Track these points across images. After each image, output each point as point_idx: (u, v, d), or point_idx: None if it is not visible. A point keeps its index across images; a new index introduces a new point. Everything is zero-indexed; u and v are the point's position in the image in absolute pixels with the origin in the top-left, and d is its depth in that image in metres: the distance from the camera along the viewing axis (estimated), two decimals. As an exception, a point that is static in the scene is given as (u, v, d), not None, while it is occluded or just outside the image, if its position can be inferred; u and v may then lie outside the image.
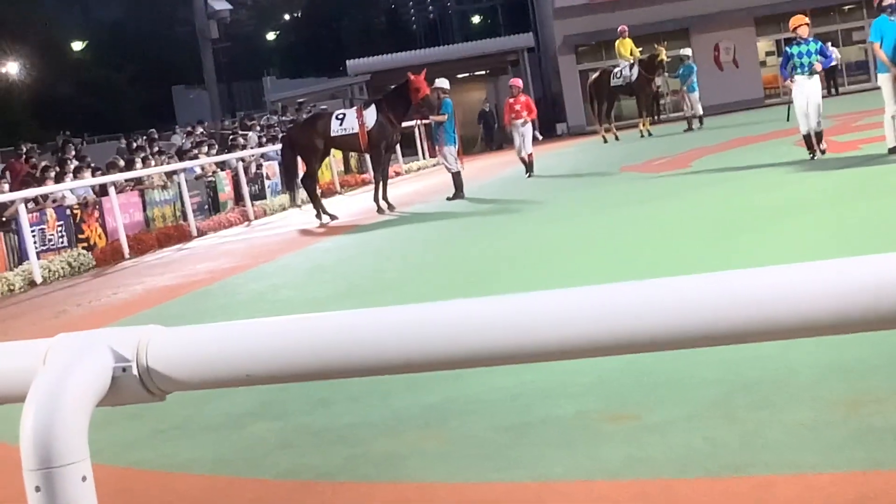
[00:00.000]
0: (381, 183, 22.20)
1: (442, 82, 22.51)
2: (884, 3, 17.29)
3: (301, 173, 23.25)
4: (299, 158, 23.21)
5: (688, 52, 36.45)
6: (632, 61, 35.28)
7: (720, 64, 49.44)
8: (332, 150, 24.95)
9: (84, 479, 1.82)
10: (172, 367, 1.87)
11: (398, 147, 29.14)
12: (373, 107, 22.20)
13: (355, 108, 22.96)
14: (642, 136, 34.60)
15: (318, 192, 23.13)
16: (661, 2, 47.94)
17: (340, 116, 22.45)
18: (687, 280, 1.69)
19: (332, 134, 22.28)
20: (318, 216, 22.32)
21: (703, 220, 13.43)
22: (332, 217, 22.40)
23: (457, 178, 22.38)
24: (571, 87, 49.68)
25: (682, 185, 18.11)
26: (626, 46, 35.66)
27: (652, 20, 47.74)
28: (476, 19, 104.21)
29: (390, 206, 21.95)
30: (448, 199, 21.88)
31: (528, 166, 25.99)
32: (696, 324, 1.66)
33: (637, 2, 48.07)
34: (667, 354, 6.18)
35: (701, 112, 35.61)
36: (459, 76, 50.83)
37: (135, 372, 1.87)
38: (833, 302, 1.60)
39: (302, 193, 23.91)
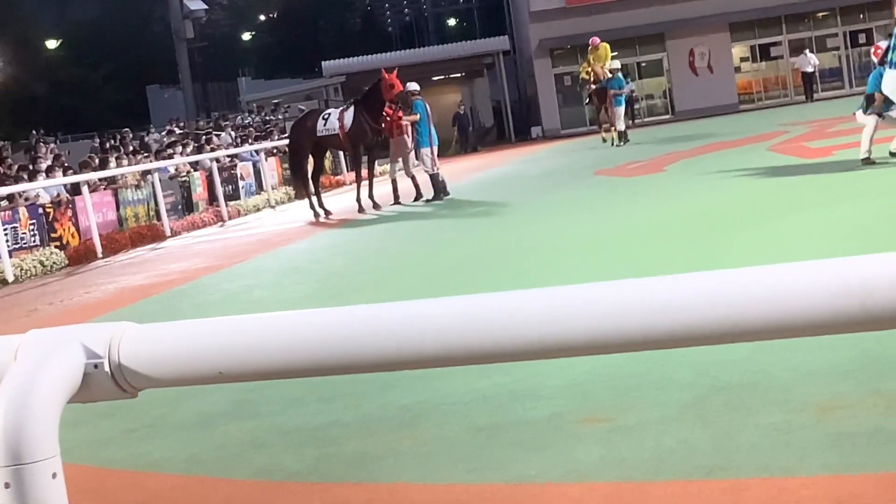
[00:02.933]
0: (361, 182, 22.30)
1: (412, 85, 22.56)
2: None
3: (309, 169, 23.61)
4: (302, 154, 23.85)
5: (616, 65, 34.21)
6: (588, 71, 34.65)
7: (695, 69, 49.61)
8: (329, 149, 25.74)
9: (54, 475, 1.80)
10: (145, 364, 1.86)
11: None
12: (351, 108, 22.45)
13: (340, 108, 23.21)
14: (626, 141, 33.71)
15: (311, 188, 23.38)
16: (637, 6, 48.04)
17: (326, 116, 22.99)
18: (659, 280, 1.69)
19: (318, 133, 22.86)
20: (312, 209, 22.94)
21: (676, 223, 13.45)
22: (328, 213, 22.70)
23: (434, 179, 22.32)
24: (547, 91, 49.77)
25: (655, 188, 18.16)
26: (597, 56, 34.43)
27: (627, 25, 47.87)
28: (452, 22, 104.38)
29: (376, 205, 22.05)
30: (427, 200, 21.87)
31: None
32: (668, 324, 1.66)
33: (613, 6, 48.18)
34: (639, 357, 6.21)
35: (622, 128, 33.57)
36: (435, 78, 50.86)
37: (107, 368, 1.85)
38: (806, 303, 1.60)
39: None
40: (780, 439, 5.14)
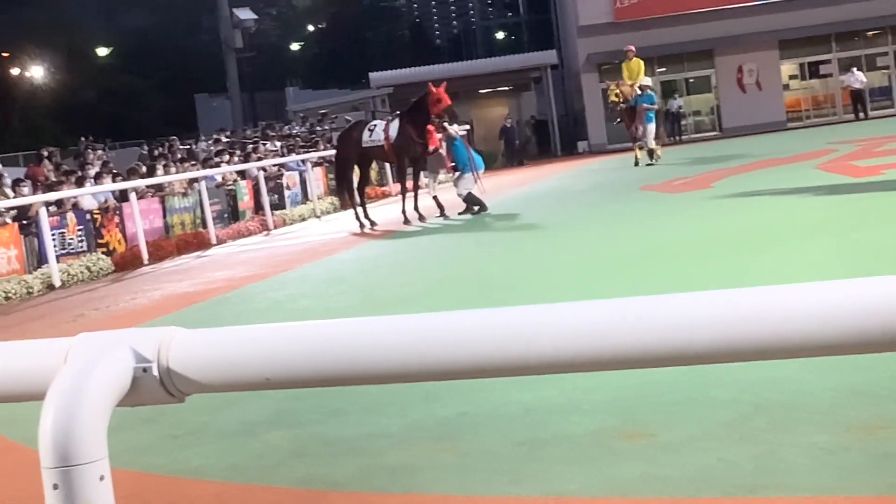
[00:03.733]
0: (406, 194, 22.35)
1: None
2: None
3: (355, 179, 23.84)
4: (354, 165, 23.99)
5: (647, 81, 32.84)
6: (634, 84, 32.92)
7: (743, 86, 49.40)
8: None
9: (102, 478, 1.82)
10: (193, 369, 1.87)
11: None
12: (397, 120, 22.49)
13: (387, 119, 23.28)
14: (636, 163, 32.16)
15: (357, 199, 23.46)
16: (686, 22, 47.90)
17: (372, 127, 23.07)
18: (703, 296, 1.69)
19: (363, 144, 22.94)
20: (357, 219, 22.99)
21: (722, 239, 13.39)
22: (373, 224, 22.74)
23: (470, 196, 22.11)
24: (594, 105, 49.64)
25: (701, 204, 18.08)
26: (630, 69, 33.24)
27: (676, 40, 47.75)
28: (500, 35, 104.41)
29: (421, 217, 22.01)
30: (470, 213, 21.79)
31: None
32: (710, 339, 1.66)
33: (661, 21, 48.05)
34: (681, 374, 6.19)
35: (652, 146, 32.14)
36: (482, 91, 50.88)
37: (155, 373, 1.87)
38: (848, 321, 1.60)
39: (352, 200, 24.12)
40: (822, 459, 5.12)
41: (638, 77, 32.61)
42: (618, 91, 32.36)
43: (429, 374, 1.81)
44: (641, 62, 33.51)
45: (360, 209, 23.07)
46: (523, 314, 1.77)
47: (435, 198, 22.38)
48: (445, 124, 22.08)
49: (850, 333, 1.61)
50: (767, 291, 1.67)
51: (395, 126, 22.29)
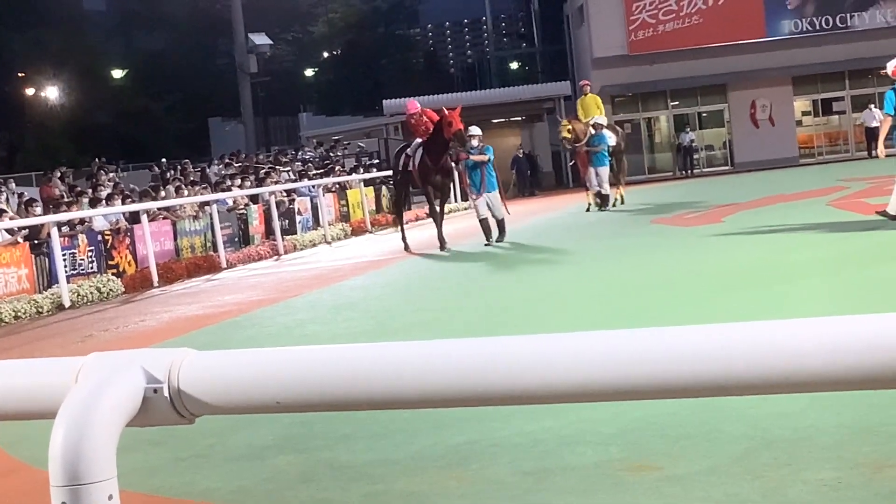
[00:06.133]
0: (435, 220, 22.27)
1: (475, 129, 22.17)
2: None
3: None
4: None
5: (602, 120, 29.83)
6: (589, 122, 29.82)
7: (756, 121, 49.47)
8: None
9: (111, 497, 1.83)
10: (204, 391, 1.88)
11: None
12: (420, 147, 22.34)
13: (416, 144, 23.03)
14: (613, 204, 29.76)
15: (404, 221, 23.91)
16: (700, 56, 47.99)
17: (410, 152, 22.98)
18: (708, 329, 1.70)
19: (400, 168, 23.31)
20: (403, 240, 23.17)
21: (732, 274, 13.38)
22: (406, 247, 22.78)
23: (484, 223, 21.79)
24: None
25: (712, 238, 18.07)
26: (584, 105, 30.87)
27: (690, 74, 47.85)
28: (514, 65, 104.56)
29: (442, 245, 21.69)
30: (485, 244, 21.57)
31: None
32: (718, 371, 1.67)
33: (676, 55, 48.16)
34: (690, 408, 6.18)
35: (606, 191, 28.95)
36: (495, 121, 50.94)
37: (166, 393, 1.88)
38: (855, 357, 1.61)
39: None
40: (829, 496, 5.10)
41: (591, 114, 30.08)
42: (570, 127, 29.31)
43: (438, 400, 1.82)
44: (598, 98, 31.57)
45: (404, 229, 23.45)
46: (533, 343, 1.78)
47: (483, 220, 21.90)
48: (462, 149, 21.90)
49: (858, 369, 1.62)
50: (773, 325, 1.68)
51: (418, 153, 22.26)
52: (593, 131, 28.97)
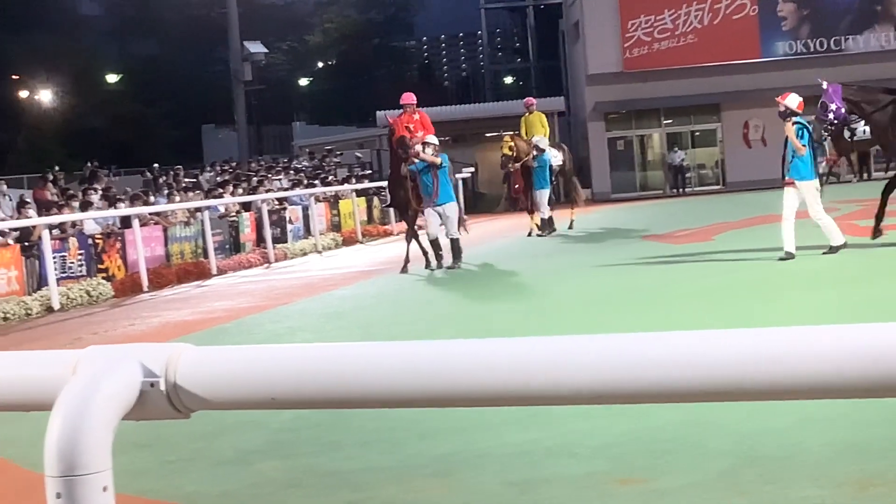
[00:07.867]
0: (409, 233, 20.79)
1: (431, 138, 20.02)
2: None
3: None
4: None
5: (543, 142, 27.25)
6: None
7: (748, 141, 49.53)
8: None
9: (105, 489, 1.85)
10: (200, 386, 1.90)
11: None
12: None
13: None
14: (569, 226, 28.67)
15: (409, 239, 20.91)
16: (695, 76, 48.03)
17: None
18: (694, 335, 1.73)
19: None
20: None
21: (722, 291, 13.42)
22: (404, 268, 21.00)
23: (434, 244, 19.97)
24: (599, 154, 49.75)
25: (703, 256, 18.10)
26: (528, 123, 29.02)
27: (683, 93, 47.90)
28: (508, 80, 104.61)
29: (428, 263, 20.09)
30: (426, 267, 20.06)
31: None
32: (698, 378, 1.69)
33: (670, 73, 48.20)
34: (676, 422, 6.18)
35: (545, 215, 27.09)
36: (488, 135, 50.96)
37: (162, 388, 1.89)
38: (836, 365, 1.64)
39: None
40: (814, 513, 5.13)
41: (535, 133, 28.07)
42: (511, 144, 27.45)
43: (431, 399, 1.84)
44: (543, 117, 29.52)
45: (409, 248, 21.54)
46: (525, 345, 1.80)
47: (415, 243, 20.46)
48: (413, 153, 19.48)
49: (847, 378, 1.65)
50: (764, 333, 1.71)
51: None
52: (535, 152, 26.92)
